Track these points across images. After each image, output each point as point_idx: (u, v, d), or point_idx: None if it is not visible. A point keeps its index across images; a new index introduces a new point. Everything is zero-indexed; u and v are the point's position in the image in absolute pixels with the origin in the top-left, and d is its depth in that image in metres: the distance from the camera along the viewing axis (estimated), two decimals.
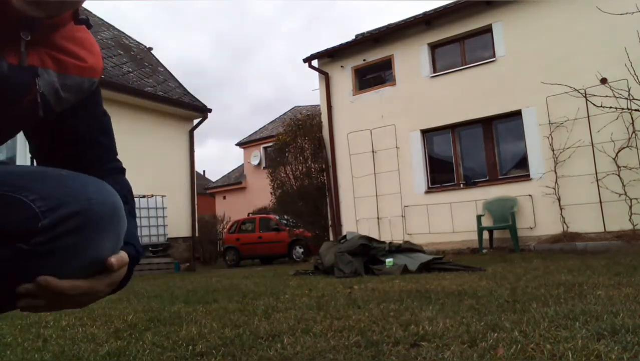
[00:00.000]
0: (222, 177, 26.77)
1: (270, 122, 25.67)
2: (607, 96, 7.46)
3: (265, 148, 22.90)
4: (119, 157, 1.07)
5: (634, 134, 7.40)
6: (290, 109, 25.03)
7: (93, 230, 0.74)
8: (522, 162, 8.77)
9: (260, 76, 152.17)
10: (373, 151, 10.21)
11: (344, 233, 8.97)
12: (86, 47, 0.91)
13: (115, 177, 0.99)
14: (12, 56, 0.79)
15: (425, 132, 9.84)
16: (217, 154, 73.70)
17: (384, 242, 5.85)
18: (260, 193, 20.16)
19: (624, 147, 7.44)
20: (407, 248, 5.60)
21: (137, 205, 8.12)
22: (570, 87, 7.87)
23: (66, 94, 0.90)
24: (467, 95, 9.20)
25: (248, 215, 17.87)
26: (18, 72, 0.80)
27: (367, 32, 11.18)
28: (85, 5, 0.98)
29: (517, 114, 8.72)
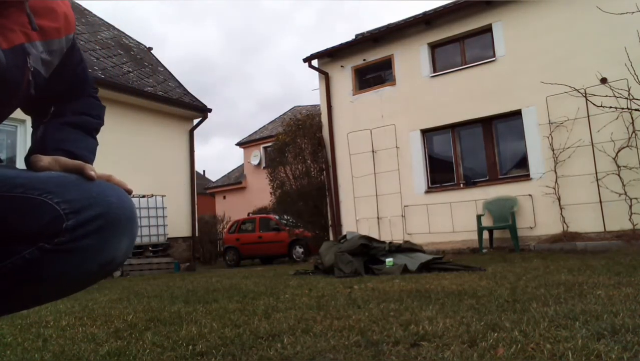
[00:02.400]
0: (222, 177, 26.77)
1: (270, 122, 25.69)
2: (607, 96, 7.46)
3: (265, 148, 22.90)
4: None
5: (634, 134, 7.40)
6: (290, 109, 25.05)
7: (112, 232, 0.79)
8: (522, 162, 8.77)
9: (268, 73, 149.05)
10: (373, 151, 10.21)
11: (344, 232, 8.97)
12: (55, 2, 0.91)
13: (92, 101, 1.09)
14: (1, 40, 0.79)
15: (425, 132, 9.83)
16: (222, 152, 73.42)
17: (384, 242, 5.85)
18: (260, 193, 20.15)
19: (624, 147, 7.44)
20: (407, 248, 5.59)
21: (137, 205, 8.10)
22: (570, 87, 7.87)
23: (53, 59, 0.92)
24: (467, 95, 9.20)
25: (248, 215, 17.86)
26: (12, 57, 0.80)
27: (367, 32, 11.18)
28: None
29: (517, 113, 8.71)
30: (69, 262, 0.75)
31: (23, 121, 8.48)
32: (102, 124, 1.09)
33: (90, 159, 0.96)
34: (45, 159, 0.85)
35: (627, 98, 7.30)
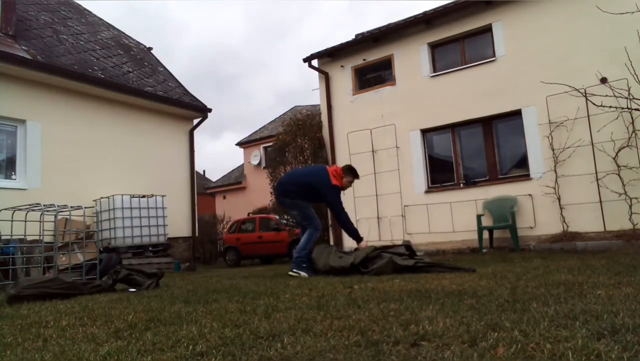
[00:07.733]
0: (222, 177, 26.80)
1: (270, 122, 25.71)
2: (607, 96, 7.45)
3: (265, 148, 22.92)
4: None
5: (634, 134, 7.39)
6: (290, 109, 25.05)
7: None
8: (522, 162, 8.76)
9: (289, 64, 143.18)
10: (373, 151, 10.21)
11: (344, 232, 8.95)
12: None
13: None
14: None
15: (425, 132, 9.83)
16: (233, 149, 72.98)
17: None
18: (260, 193, 20.17)
19: (624, 147, 7.44)
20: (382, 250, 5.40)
21: (137, 205, 8.19)
22: (570, 86, 7.87)
23: None
24: (467, 95, 9.19)
25: (248, 215, 17.87)
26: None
27: (367, 31, 11.18)
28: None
29: (517, 113, 8.71)
30: None
31: (23, 121, 8.48)
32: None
33: None
34: None
35: (627, 98, 7.30)
